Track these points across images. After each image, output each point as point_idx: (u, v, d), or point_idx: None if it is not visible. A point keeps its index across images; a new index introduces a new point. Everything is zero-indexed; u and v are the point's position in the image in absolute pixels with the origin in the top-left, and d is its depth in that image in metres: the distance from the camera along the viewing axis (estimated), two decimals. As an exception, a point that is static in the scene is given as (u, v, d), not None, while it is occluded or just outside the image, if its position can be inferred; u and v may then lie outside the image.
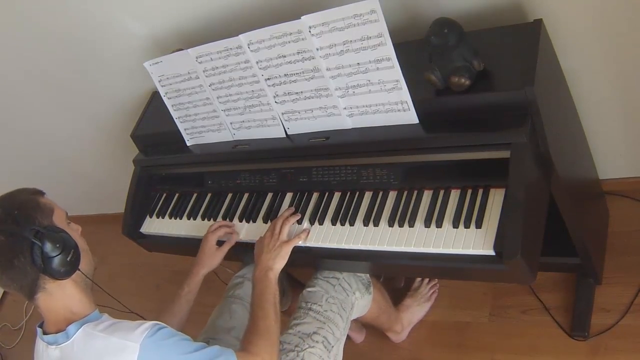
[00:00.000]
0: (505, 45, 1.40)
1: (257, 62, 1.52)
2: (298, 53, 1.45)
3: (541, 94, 1.27)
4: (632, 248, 1.81)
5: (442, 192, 1.43)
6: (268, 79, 1.54)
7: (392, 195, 1.50)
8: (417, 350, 1.97)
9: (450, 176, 1.43)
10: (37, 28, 2.08)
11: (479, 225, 1.32)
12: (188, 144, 1.84)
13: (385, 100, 1.43)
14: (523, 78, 1.26)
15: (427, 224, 1.40)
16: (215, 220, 1.76)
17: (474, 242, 1.31)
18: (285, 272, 1.81)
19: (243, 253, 1.72)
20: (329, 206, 1.57)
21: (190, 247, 1.73)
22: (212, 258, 1.65)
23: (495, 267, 1.27)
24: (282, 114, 1.59)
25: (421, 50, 1.37)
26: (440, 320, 2.00)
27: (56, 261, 1.18)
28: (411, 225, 1.42)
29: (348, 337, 1.73)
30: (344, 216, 1.53)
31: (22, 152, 2.90)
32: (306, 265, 1.65)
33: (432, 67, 1.36)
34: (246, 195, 1.75)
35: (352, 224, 1.51)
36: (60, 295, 1.23)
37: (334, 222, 1.53)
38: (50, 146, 2.77)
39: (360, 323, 1.99)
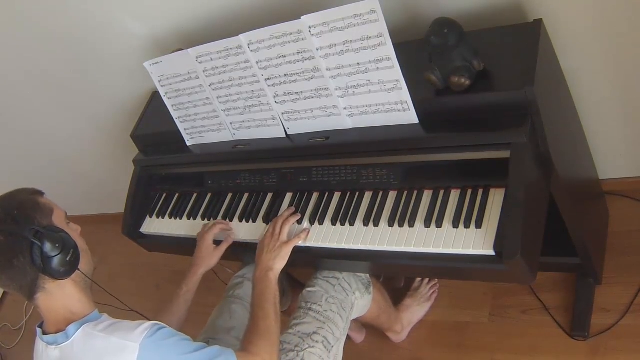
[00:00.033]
0: (505, 45, 1.40)
1: (257, 62, 1.52)
2: (298, 53, 1.45)
3: (541, 94, 1.27)
4: (632, 248, 1.81)
5: (442, 192, 1.43)
6: (268, 79, 1.54)
7: (392, 195, 1.50)
8: (417, 350, 1.97)
9: (450, 176, 1.43)
10: (37, 28, 2.08)
11: (479, 225, 1.32)
12: (188, 144, 1.84)
13: (385, 100, 1.43)
14: (523, 78, 1.26)
15: (427, 224, 1.40)
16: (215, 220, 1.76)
17: (474, 242, 1.31)
18: (285, 272, 1.81)
19: (243, 253, 1.72)
20: (329, 206, 1.57)
21: (190, 247, 1.73)
22: (210, 257, 1.65)
23: (495, 267, 1.27)
24: (282, 114, 1.59)
25: (421, 50, 1.37)
26: (440, 320, 2.00)
27: (56, 261, 1.18)
28: (411, 225, 1.42)
29: (348, 337, 1.73)
30: (344, 216, 1.53)
31: (22, 152, 2.90)
32: (306, 265, 1.65)
33: (432, 67, 1.36)
34: (246, 195, 1.75)
35: (352, 224, 1.51)
36: (60, 295, 1.23)
37: (334, 222, 1.53)
38: (50, 146, 2.77)
39: (360, 323, 1.99)
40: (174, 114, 1.79)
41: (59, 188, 2.45)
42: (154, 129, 1.94)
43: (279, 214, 1.60)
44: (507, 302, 1.91)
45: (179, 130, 1.81)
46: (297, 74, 1.49)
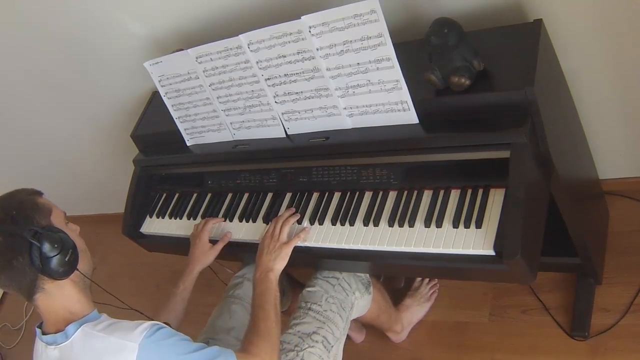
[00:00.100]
0: (505, 45, 1.40)
1: (257, 62, 1.52)
2: (298, 53, 1.45)
3: (541, 94, 1.27)
4: (632, 248, 1.81)
5: (442, 192, 1.43)
6: (268, 79, 1.54)
7: (392, 195, 1.50)
8: (417, 350, 1.97)
9: (450, 176, 1.43)
10: (37, 28, 2.08)
11: (479, 225, 1.32)
12: (188, 144, 1.84)
13: (385, 100, 1.43)
14: (523, 78, 1.26)
15: (427, 224, 1.40)
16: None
17: (474, 242, 1.31)
18: (285, 272, 1.81)
19: (243, 253, 1.72)
20: (329, 206, 1.57)
21: (190, 247, 1.73)
22: (205, 256, 1.66)
23: (495, 267, 1.27)
24: (282, 114, 1.59)
25: (421, 50, 1.37)
26: (440, 320, 2.00)
27: (54, 261, 1.18)
28: (411, 225, 1.42)
29: (348, 337, 1.73)
30: (344, 216, 1.53)
31: (22, 152, 2.90)
32: (306, 265, 1.65)
33: (432, 67, 1.36)
34: (246, 195, 1.75)
35: (352, 224, 1.51)
36: (59, 295, 1.23)
37: (334, 222, 1.53)
38: (50, 146, 2.77)
39: (360, 323, 1.99)
40: (174, 114, 1.79)
41: (59, 188, 2.46)
42: (154, 129, 1.94)
43: (279, 214, 1.60)
44: (507, 302, 1.91)
45: (179, 130, 1.81)
46: (297, 74, 1.49)
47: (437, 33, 1.31)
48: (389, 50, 1.34)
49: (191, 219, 1.82)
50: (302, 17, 1.38)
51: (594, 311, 1.75)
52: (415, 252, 1.38)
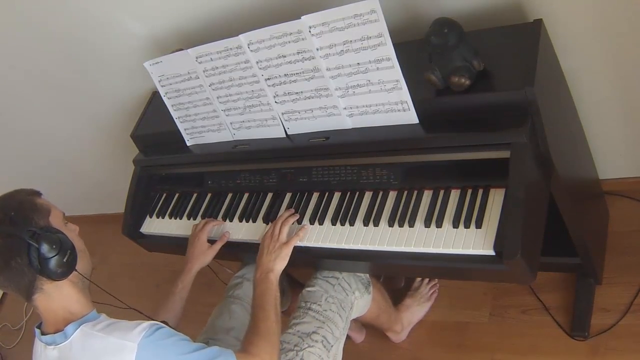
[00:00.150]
0: (505, 45, 1.40)
1: (257, 62, 1.52)
2: (298, 53, 1.45)
3: (541, 94, 1.27)
4: (632, 248, 1.81)
5: (442, 192, 1.43)
6: (268, 79, 1.54)
7: (392, 195, 1.50)
8: (417, 350, 1.97)
9: (450, 176, 1.43)
10: (37, 28, 2.08)
11: (479, 225, 1.32)
12: (188, 144, 1.84)
13: (385, 100, 1.43)
14: (523, 78, 1.26)
15: (427, 224, 1.40)
16: (215, 220, 1.76)
17: (474, 242, 1.31)
18: (285, 272, 1.81)
19: (243, 253, 1.72)
20: (329, 206, 1.57)
21: (188, 246, 1.73)
22: (204, 255, 1.66)
23: (495, 267, 1.27)
24: (282, 114, 1.59)
25: (421, 50, 1.37)
26: (440, 320, 2.00)
27: (53, 262, 1.17)
28: (411, 225, 1.42)
29: (348, 337, 1.73)
30: (344, 216, 1.53)
31: (22, 152, 2.90)
32: (306, 265, 1.65)
33: (432, 67, 1.36)
34: (246, 195, 1.75)
35: (352, 224, 1.51)
36: (58, 295, 1.23)
37: (334, 222, 1.53)
38: (50, 146, 2.77)
39: (360, 323, 1.99)
40: (174, 114, 1.79)
41: (59, 188, 2.46)
42: (154, 129, 1.94)
43: (279, 215, 1.60)
44: (507, 302, 1.91)
45: (179, 130, 1.81)
46: (297, 74, 1.49)
47: (437, 33, 1.31)
48: (389, 50, 1.34)
49: (191, 219, 1.82)
50: (302, 17, 1.38)
51: (594, 311, 1.75)
52: (415, 252, 1.38)
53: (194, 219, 1.82)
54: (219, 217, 1.75)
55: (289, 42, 1.44)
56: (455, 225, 1.35)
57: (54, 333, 1.23)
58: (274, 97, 1.57)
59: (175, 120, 1.80)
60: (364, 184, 1.53)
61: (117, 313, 1.33)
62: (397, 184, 1.49)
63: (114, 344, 1.17)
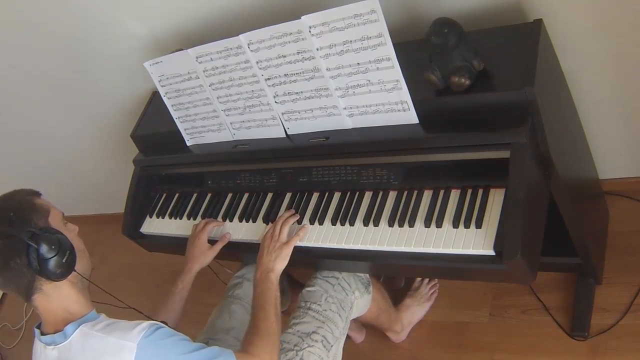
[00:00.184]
0: (505, 45, 1.40)
1: (257, 62, 1.52)
2: (298, 53, 1.45)
3: (541, 94, 1.26)
4: (632, 248, 1.81)
5: (442, 192, 1.43)
6: (268, 79, 1.54)
7: (392, 195, 1.50)
8: (417, 350, 1.97)
9: (450, 176, 1.43)
10: (37, 28, 2.08)
11: (479, 225, 1.32)
12: (188, 144, 1.84)
13: (385, 100, 1.43)
14: (523, 78, 1.26)
15: (427, 224, 1.40)
16: (215, 220, 1.76)
17: (474, 242, 1.31)
18: (285, 272, 1.80)
19: (243, 253, 1.72)
20: (329, 206, 1.57)
21: (187, 246, 1.72)
22: (205, 255, 1.66)
23: (495, 267, 1.27)
24: (282, 114, 1.59)
25: (421, 50, 1.37)
26: (440, 320, 2.00)
27: (52, 263, 1.17)
28: (411, 225, 1.42)
29: (348, 337, 1.73)
30: (344, 216, 1.53)
31: (22, 152, 2.90)
32: (306, 265, 1.65)
33: (432, 67, 1.36)
34: (246, 195, 1.75)
35: (352, 224, 1.51)
36: (57, 296, 1.23)
37: (334, 222, 1.53)
38: (50, 146, 2.77)
39: (360, 323, 1.99)
40: (174, 114, 1.79)
41: (59, 188, 2.46)
42: (154, 129, 1.94)
43: (279, 215, 1.60)
44: (507, 302, 1.91)
45: (179, 130, 1.81)
46: (297, 74, 1.49)
47: (437, 33, 1.31)
48: (389, 50, 1.34)
49: (191, 219, 1.82)
50: (302, 17, 1.38)
51: (594, 311, 1.75)
52: (415, 252, 1.38)
53: (194, 219, 1.82)
54: (219, 217, 1.75)
55: (289, 42, 1.44)
56: (455, 225, 1.35)
57: (54, 333, 1.23)
58: (274, 97, 1.57)
59: (175, 120, 1.80)
60: (364, 184, 1.53)
61: (117, 313, 1.33)
62: (397, 184, 1.49)
63: (113, 344, 1.17)
